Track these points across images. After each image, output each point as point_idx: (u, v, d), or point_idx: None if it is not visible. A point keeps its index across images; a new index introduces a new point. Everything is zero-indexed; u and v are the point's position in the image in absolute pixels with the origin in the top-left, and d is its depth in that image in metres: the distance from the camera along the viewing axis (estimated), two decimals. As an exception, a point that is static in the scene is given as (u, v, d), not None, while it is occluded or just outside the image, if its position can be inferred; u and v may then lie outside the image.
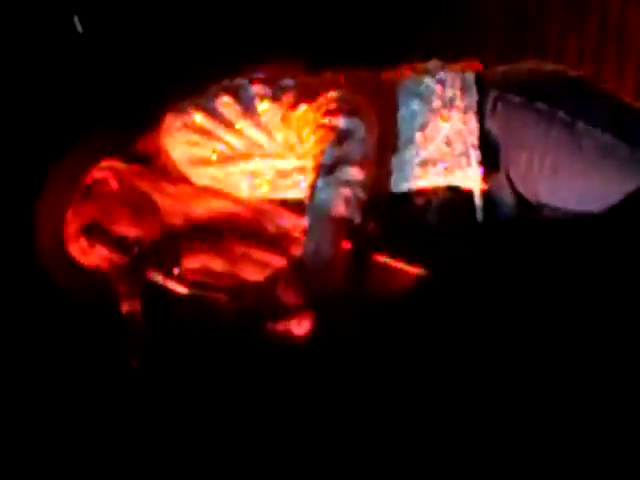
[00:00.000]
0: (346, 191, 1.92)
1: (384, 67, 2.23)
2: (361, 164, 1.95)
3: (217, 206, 2.15)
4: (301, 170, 2.08)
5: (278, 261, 2.08)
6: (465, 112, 2.09)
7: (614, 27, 3.52)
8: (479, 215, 2.09)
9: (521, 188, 2.09)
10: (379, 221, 2.08)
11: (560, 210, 2.07)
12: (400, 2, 3.52)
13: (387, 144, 2.08)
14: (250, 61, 2.17)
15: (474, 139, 2.07)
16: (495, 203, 2.09)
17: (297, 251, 1.98)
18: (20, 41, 2.58)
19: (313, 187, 1.94)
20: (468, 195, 2.08)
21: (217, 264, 2.12)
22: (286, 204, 2.13)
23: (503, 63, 2.22)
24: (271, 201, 2.15)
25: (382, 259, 2.06)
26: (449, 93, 2.11)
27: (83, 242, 2.11)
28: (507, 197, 2.10)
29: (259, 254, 2.11)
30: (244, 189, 2.14)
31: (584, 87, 2.16)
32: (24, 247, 2.16)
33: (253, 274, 2.11)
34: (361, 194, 1.94)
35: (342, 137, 1.96)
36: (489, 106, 2.10)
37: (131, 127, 2.21)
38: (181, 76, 2.50)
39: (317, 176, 1.94)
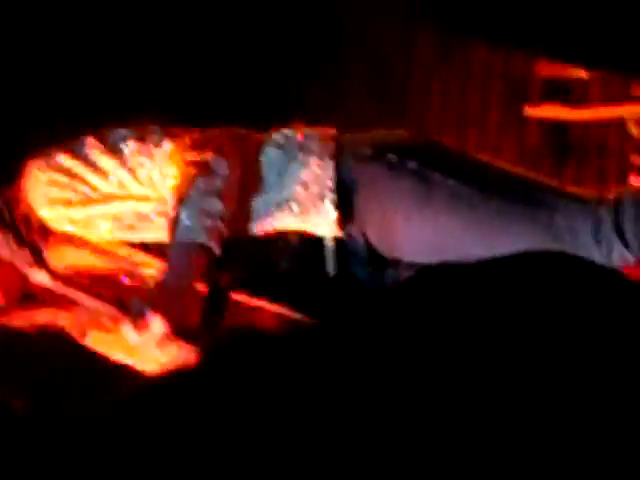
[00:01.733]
0: (208, 222, 2.00)
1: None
2: (223, 198, 2.04)
3: (74, 257, 2.16)
4: (161, 214, 2.13)
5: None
6: (322, 159, 2.13)
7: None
8: (330, 266, 2.13)
9: (376, 242, 2.11)
10: (239, 262, 2.13)
11: (416, 266, 2.07)
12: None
13: (249, 188, 2.14)
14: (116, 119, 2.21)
15: (330, 182, 2.11)
16: (348, 256, 2.12)
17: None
18: None
19: (177, 216, 2.01)
20: (320, 243, 2.12)
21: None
22: (146, 247, 2.18)
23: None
24: (131, 244, 2.19)
25: (241, 298, 2.10)
26: (309, 142, 2.17)
27: None
28: (361, 251, 2.12)
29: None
30: (104, 232, 2.16)
31: (432, 143, 2.25)
32: None
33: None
34: (221, 227, 2.02)
35: (207, 171, 2.04)
36: (344, 161, 2.15)
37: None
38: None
39: (181, 206, 2.02)
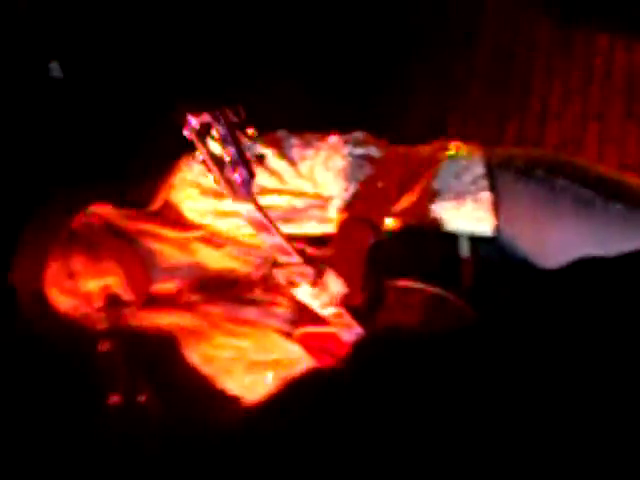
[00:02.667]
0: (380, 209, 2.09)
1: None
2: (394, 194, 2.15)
3: (212, 256, 2.17)
4: (317, 207, 2.14)
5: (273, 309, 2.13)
6: (471, 157, 2.24)
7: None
8: (464, 249, 2.17)
9: (502, 241, 2.18)
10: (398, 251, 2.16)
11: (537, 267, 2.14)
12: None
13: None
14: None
15: (481, 170, 2.21)
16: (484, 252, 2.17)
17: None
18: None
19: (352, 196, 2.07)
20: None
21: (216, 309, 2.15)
22: (298, 238, 2.14)
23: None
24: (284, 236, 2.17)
25: (402, 282, 2.10)
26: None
27: (66, 284, 2.09)
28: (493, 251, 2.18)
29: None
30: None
31: (559, 155, 2.37)
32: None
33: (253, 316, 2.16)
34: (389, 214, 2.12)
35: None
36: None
37: (126, 174, 2.20)
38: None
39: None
